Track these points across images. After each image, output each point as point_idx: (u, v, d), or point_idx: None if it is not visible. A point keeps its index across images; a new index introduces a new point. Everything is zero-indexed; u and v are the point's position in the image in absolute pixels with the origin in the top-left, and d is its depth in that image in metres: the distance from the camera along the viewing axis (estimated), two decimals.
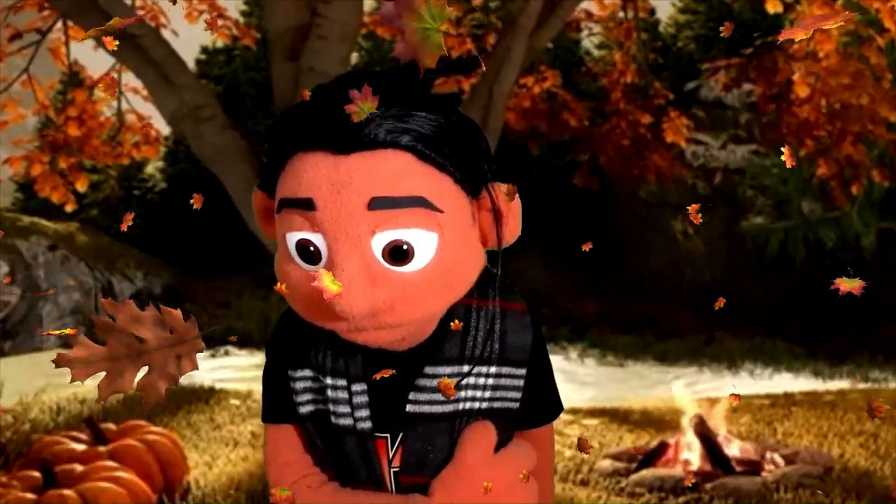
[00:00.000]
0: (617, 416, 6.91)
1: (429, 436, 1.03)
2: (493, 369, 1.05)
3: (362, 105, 0.86)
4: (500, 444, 1.08)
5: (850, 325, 12.65)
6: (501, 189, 1.03)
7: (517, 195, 1.04)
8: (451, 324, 1.03)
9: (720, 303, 1.18)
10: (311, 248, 0.97)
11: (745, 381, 11.24)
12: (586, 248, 1.24)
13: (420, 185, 0.96)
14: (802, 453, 5.07)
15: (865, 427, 6.05)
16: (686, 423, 4.94)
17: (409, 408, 1.03)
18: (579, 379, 10.97)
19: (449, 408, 1.04)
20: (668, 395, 8.04)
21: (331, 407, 1.05)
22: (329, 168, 0.95)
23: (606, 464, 5.05)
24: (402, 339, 1.02)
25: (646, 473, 4.75)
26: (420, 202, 0.95)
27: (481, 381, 1.05)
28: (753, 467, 4.86)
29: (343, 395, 1.04)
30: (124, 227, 1.03)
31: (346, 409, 1.04)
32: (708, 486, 4.57)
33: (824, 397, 7.92)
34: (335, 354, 1.05)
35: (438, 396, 1.03)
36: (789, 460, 5.00)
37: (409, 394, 1.04)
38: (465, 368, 1.04)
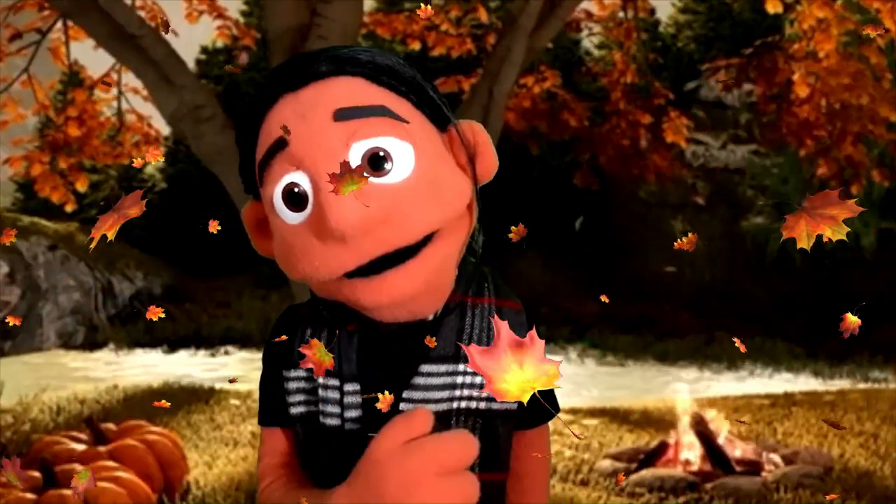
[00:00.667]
0: (617, 416, 6.90)
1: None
2: None
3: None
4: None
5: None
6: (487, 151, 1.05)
7: (486, 133, 1.06)
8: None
9: (740, 343, 1.15)
10: (297, 190, 0.97)
11: (745, 381, 11.24)
12: (604, 299, 1.23)
13: (380, 98, 0.99)
14: (802, 453, 5.07)
15: (865, 427, 6.05)
16: (686, 423, 4.94)
17: (402, 406, 1.02)
18: (579, 379, 10.97)
19: (443, 407, 1.02)
20: (668, 395, 8.04)
21: (321, 407, 1.04)
22: (290, 104, 0.99)
23: (606, 464, 5.05)
24: (420, 298, 1.00)
25: (646, 473, 4.75)
26: (383, 111, 0.97)
27: (477, 379, 1.03)
28: (753, 467, 4.86)
29: (334, 395, 1.04)
30: (153, 316, 1.02)
31: (335, 409, 1.03)
32: (708, 486, 4.57)
33: (824, 397, 7.92)
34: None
35: (433, 395, 1.02)
36: (789, 460, 5.00)
37: (403, 392, 1.03)
38: (461, 367, 1.03)
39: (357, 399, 1.03)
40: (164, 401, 1.02)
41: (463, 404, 1.03)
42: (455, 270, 1.05)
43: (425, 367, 1.03)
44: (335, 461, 1.04)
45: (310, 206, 0.97)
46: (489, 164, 1.05)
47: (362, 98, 0.98)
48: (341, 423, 1.03)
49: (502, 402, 1.04)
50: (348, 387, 1.03)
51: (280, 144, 0.97)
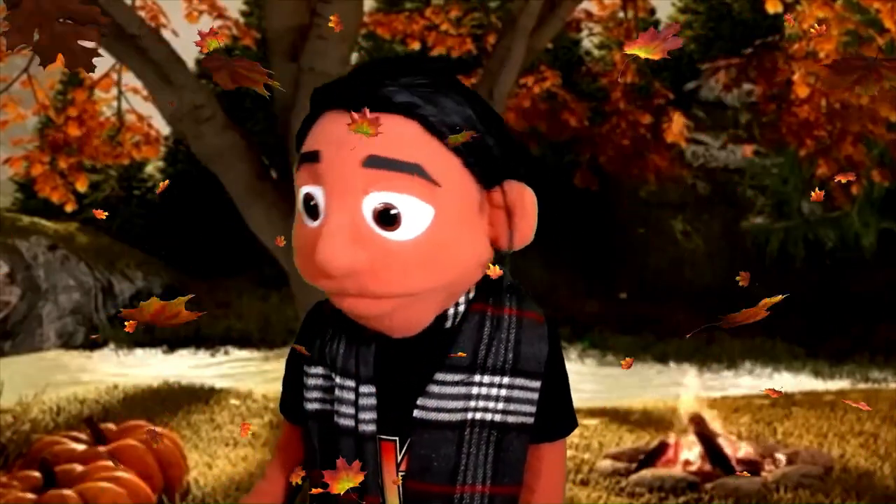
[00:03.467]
0: (617, 416, 6.90)
1: (434, 443, 1.01)
2: (505, 380, 1.03)
3: (360, 126, 0.85)
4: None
5: (851, 324, 12.65)
6: (527, 192, 1.03)
7: (534, 201, 1.03)
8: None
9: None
10: (312, 203, 0.99)
11: (745, 380, 11.23)
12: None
13: (420, 155, 0.96)
14: (802, 453, 5.07)
15: (865, 427, 6.04)
16: (686, 423, 4.94)
17: (416, 413, 1.02)
18: (579, 379, 10.97)
19: (457, 417, 1.01)
20: (668, 395, 8.04)
21: (335, 406, 1.05)
22: (339, 124, 0.97)
23: (606, 464, 5.05)
24: (389, 318, 1.01)
25: (646, 473, 4.75)
26: (416, 169, 0.95)
27: (493, 391, 1.02)
28: (753, 467, 4.86)
29: (349, 395, 1.04)
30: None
31: (349, 409, 1.04)
32: (708, 486, 4.57)
33: (824, 397, 7.91)
34: (347, 355, 1.05)
35: (447, 404, 1.02)
36: (789, 460, 5.00)
37: (417, 399, 1.02)
38: (477, 377, 1.02)
39: (372, 401, 1.03)
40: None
41: (478, 416, 1.02)
42: (437, 306, 1.03)
43: (440, 376, 1.02)
44: (348, 461, 1.04)
45: (318, 221, 0.99)
46: (524, 234, 1.03)
47: (402, 151, 0.95)
48: (355, 425, 1.03)
49: (518, 415, 1.04)
50: (363, 388, 1.04)
51: (314, 156, 0.99)
